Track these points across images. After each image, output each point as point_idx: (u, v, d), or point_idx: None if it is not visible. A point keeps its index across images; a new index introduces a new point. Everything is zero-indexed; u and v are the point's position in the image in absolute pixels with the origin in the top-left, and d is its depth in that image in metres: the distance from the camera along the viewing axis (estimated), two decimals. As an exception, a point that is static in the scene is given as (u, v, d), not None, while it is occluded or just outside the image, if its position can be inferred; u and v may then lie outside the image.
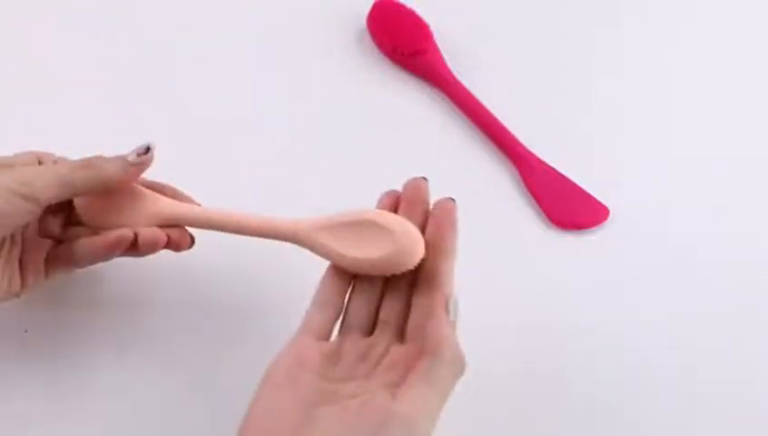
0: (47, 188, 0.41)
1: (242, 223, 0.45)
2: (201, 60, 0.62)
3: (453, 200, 0.44)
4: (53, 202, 0.42)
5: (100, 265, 0.46)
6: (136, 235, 0.44)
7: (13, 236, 0.43)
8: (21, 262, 0.44)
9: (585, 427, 0.49)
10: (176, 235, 0.46)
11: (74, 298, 0.50)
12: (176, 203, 0.46)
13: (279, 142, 0.58)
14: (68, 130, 0.55)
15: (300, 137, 0.59)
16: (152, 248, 0.45)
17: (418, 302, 0.42)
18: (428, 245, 0.43)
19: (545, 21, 0.67)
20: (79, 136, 0.56)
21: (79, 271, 0.47)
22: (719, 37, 0.66)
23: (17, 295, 0.44)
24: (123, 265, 0.50)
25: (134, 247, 0.44)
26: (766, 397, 0.50)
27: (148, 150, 0.44)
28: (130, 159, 0.44)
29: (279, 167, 0.56)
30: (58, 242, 0.45)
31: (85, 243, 0.44)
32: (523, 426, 0.49)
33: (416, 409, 0.37)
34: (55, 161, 0.45)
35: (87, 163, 0.43)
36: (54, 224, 0.46)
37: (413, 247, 0.42)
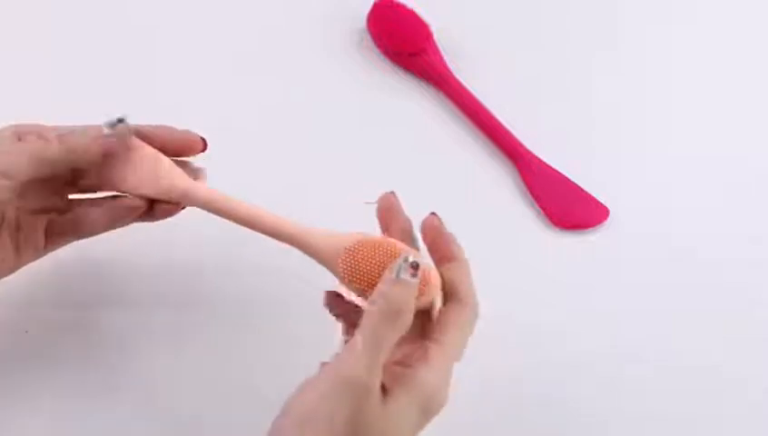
0: (21, 168, 0.41)
1: (276, 227, 0.43)
2: (200, 60, 0.62)
3: (435, 214, 0.44)
4: (29, 178, 0.42)
5: (106, 266, 0.46)
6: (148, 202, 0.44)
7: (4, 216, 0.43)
8: (15, 237, 0.43)
9: (585, 426, 0.49)
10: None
11: (75, 298, 0.50)
12: (200, 185, 0.45)
13: (278, 142, 0.58)
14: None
15: (300, 137, 0.59)
16: (166, 216, 0.45)
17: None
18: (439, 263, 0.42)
19: (545, 21, 0.67)
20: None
21: (81, 270, 0.47)
22: (719, 37, 0.66)
23: (11, 271, 0.43)
24: (126, 263, 0.51)
25: (148, 214, 0.44)
26: (767, 397, 0.50)
27: (121, 120, 0.43)
28: (105, 132, 0.43)
29: (278, 167, 0.56)
30: (59, 211, 0.45)
31: (93, 213, 0.44)
32: (523, 425, 0.49)
33: (348, 365, 0.36)
34: (40, 134, 0.43)
35: (60, 139, 0.42)
36: (57, 197, 0.45)
37: (429, 291, 0.41)
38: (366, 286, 0.41)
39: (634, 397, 0.50)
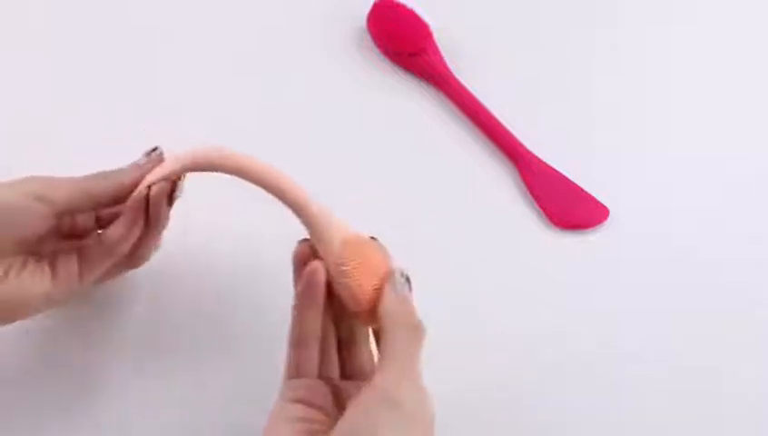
0: (63, 193, 0.43)
1: (276, 181, 0.44)
2: (200, 60, 0.62)
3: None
4: (67, 207, 0.43)
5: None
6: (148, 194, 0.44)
7: (43, 247, 0.44)
8: (52, 268, 0.44)
9: (585, 426, 0.49)
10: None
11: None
12: (222, 148, 0.45)
13: (278, 141, 0.58)
14: (74, 140, 0.56)
15: (300, 137, 0.59)
16: (159, 204, 0.45)
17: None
18: None
19: (545, 21, 0.67)
20: (80, 140, 0.56)
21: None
22: (719, 37, 0.66)
23: (56, 299, 0.44)
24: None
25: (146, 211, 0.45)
26: (767, 397, 0.50)
27: (155, 149, 0.45)
28: (141, 163, 0.45)
29: (278, 167, 0.56)
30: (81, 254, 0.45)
31: (114, 224, 0.44)
32: (523, 425, 0.49)
33: (391, 383, 0.38)
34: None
35: (104, 175, 0.44)
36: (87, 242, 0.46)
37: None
38: (362, 282, 0.41)
39: (634, 397, 0.50)
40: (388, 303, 0.40)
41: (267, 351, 0.48)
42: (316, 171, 0.57)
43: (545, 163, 0.58)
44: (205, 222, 0.52)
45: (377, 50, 0.63)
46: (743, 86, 0.63)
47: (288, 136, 0.59)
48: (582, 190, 0.57)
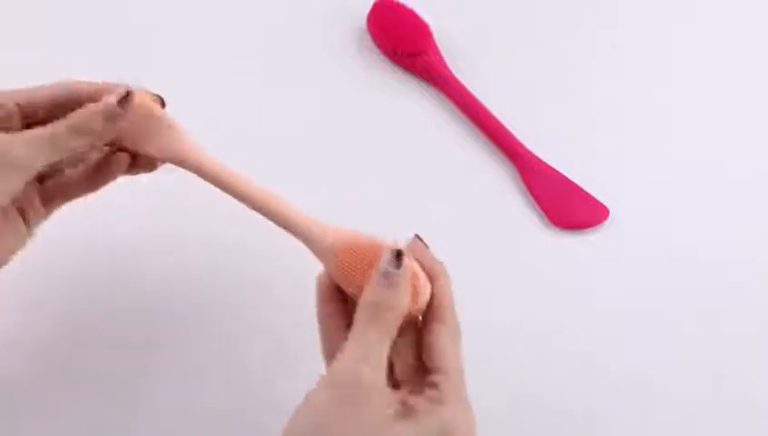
0: (36, 159, 0.41)
1: (267, 205, 0.43)
2: (200, 60, 0.62)
3: (418, 236, 0.43)
4: (38, 164, 0.41)
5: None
6: (134, 159, 0.44)
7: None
8: (20, 211, 0.43)
9: (585, 425, 0.49)
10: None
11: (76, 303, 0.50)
12: (204, 154, 0.45)
13: (278, 141, 0.58)
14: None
15: (300, 137, 0.59)
16: (149, 167, 0.45)
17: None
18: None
19: (545, 21, 0.67)
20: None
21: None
22: (719, 37, 0.66)
23: (26, 242, 0.44)
24: (128, 271, 0.51)
25: (131, 167, 0.44)
26: (767, 397, 0.50)
27: (128, 94, 0.43)
28: (109, 101, 0.42)
29: (277, 167, 0.56)
30: (42, 176, 0.44)
31: (78, 175, 0.44)
32: (522, 424, 0.49)
33: (335, 365, 0.36)
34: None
35: (75, 129, 0.42)
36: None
37: (421, 289, 0.40)
38: (357, 286, 0.40)
39: (634, 397, 0.50)
40: (367, 284, 0.38)
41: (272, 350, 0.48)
42: (316, 171, 0.57)
43: (545, 163, 0.58)
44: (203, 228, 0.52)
45: (377, 50, 0.63)
46: (743, 86, 0.63)
47: (288, 136, 0.59)
48: (582, 190, 0.57)
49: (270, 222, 0.42)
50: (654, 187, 0.58)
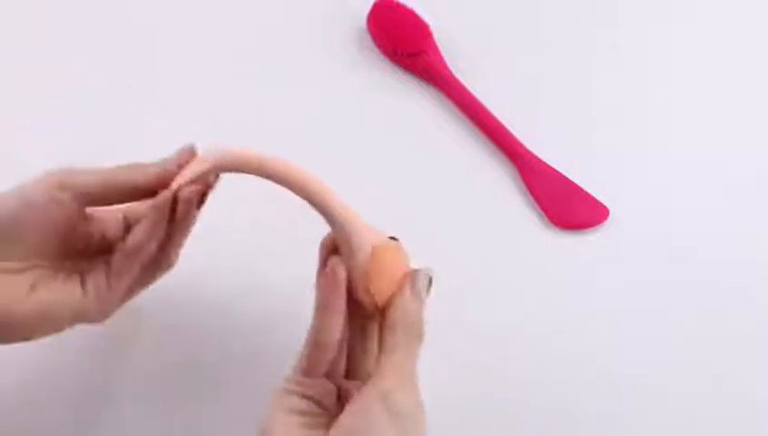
0: (83, 179, 0.41)
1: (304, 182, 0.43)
2: (200, 60, 0.62)
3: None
4: (89, 194, 0.42)
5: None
6: (176, 196, 0.43)
7: (73, 263, 0.43)
8: (81, 280, 0.43)
9: (585, 425, 0.49)
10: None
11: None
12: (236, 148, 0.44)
13: (278, 141, 0.58)
14: (73, 142, 0.56)
15: (300, 137, 0.59)
16: (189, 205, 0.44)
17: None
18: None
19: (545, 21, 0.67)
20: (79, 142, 0.56)
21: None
22: (719, 37, 0.66)
23: (86, 313, 0.43)
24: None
25: (173, 211, 0.43)
26: (767, 397, 0.50)
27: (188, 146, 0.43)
28: (168, 158, 0.43)
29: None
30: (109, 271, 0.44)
31: (138, 227, 0.43)
32: (522, 424, 0.49)
33: (392, 384, 0.38)
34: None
35: (127, 165, 0.43)
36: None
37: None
38: (382, 288, 0.41)
39: (634, 397, 0.50)
40: (403, 300, 0.40)
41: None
42: (316, 171, 0.57)
43: (545, 163, 0.58)
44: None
45: (377, 50, 0.63)
46: (744, 86, 0.63)
47: (288, 136, 0.58)
48: (582, 190, 0.57)
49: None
50: (654, 187, 0.58)
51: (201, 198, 0.43)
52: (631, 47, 0.66)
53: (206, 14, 0.65)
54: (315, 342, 0.41)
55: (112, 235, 0.45)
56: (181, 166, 0.42)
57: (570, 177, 0.58)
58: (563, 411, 0.49)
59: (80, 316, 0.42)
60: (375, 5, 0.64)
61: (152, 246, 0.43)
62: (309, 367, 0.41)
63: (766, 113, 0.62)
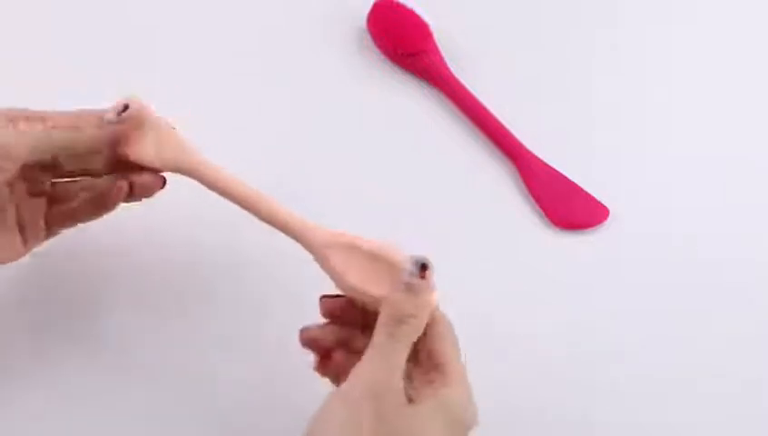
0: (24, 147, 0.42)
1: (261, 205, 0.44)
2: (200, 60, 0.62)
3: None
4: (31, 159, 0.42)
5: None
6: (131, 184, 0.45)
7: (5, 202, 0.43)
8: (20, 227, 0.44)
9: (584, 425, 0.49)
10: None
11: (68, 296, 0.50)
12: (199, 158, 0.46)
13: (278, 142, 0.58)
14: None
15: (300, 137, 0.59)
16: (147, 194, 0.46)
17: None
18: None
19: (545, 21, 0.67)
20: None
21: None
22: (719, 37, 0.66)
23: (20, 256, 0.44)
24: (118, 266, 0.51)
25: (130, 195, 0.45)
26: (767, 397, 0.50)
27: (126, 107, 0.44)
28: (107, 117, 0.44)
29: (278, 167, 0.56)
30: (51, 199, 0.45)
31: (86, 201, 0.45)
32: (522, 424, 0.49)
33: (358, 375, 0.38)
34: (43, 117, 0.44)
35: (68, 124, 0.43)
36: (47, 182, 0.46)
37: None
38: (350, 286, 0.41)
39: (633, 397, 0.50)
40: (390, 292, 0.40)
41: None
42: (316, 171, 0.57)
43: (545, 163, 0.58)
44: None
45: (377, 50, 0.63)
46: (744, 86, 0.63)
47: (288, 136, 0.59)
48: (582, 190, 0.57)
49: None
50: (654, 187, 0.58)
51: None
52: (631, 47, 0.66)
53: (206, 14, 0.65)
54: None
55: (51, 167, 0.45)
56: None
57: (570, 177, 0.58)
58: (562, 410, 0.49)
59: (14, 259, 0.44)
60: (375, 5, 0.64)
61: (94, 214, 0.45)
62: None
63: (766, 113, 0.62)
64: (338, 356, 0.41)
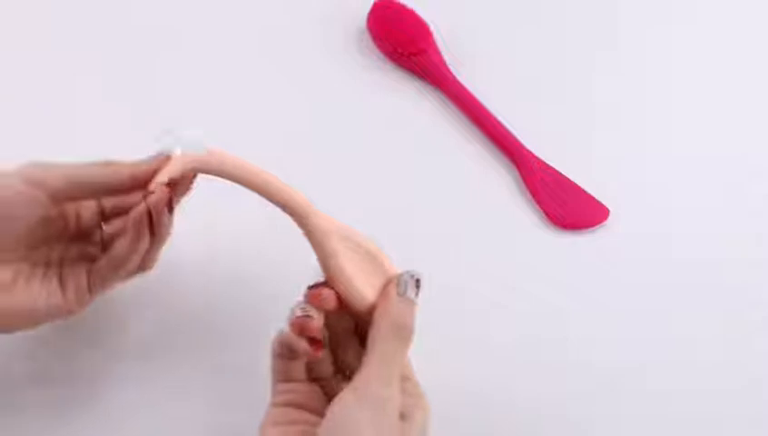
0: (59, 177, 0.42)
1: (265, 181, 0.44)
2: (200, 60, 0.62)
3: None
4: (64, 192, 0.42)
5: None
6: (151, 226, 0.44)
7: (50, 256, 0.44)
8: (61, 282, 0.43)
9: (584, 425, 0.49)
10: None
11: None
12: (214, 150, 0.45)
13: (278, 142, 0.58)
14: (73, 142, 0.56)
15: (300, 137, 0.59)
16: (159, 208, 0.44)
17: None
18: None
19: (545, 21, 0.67)
20: (80, 141, 0.56)
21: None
22: (719, 37, 0.66)
23: (65, 312, 0.43)
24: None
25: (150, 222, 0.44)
26: (767, 397, 0.50)
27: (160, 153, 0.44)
28: (144, 159, 0.44)
29: (277, 167, 0.56)
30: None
31: (121, 239, 0.43)
32: (522, 424, 0.49)
33: (365, 382, 0.39)
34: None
35: (103, 163, 0.43)
36: (94, 248, 0.46)
37: None
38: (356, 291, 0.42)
39: (633, 397, 0.50)
40: (386, 303, 0.41)
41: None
42: (316, 171, 0.57)
43: (545, 163, 0.58)
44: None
45: (377, 50, 0.63)
46: (744, 86, 0.63)
47: (288, 136, 0.59)
48: (582, 190, 0.57)
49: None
50: (654, 187, 0.58)
51: (170, 204, 0.43)
52: (631, 47, 0.66)
53: (206, 15, 0.65)
54: (279, 352, 0.42)
55: (87, 220, 0.45)
56: (154, 170, 0.43)
57: (570, 177, 0.58)
58: (561, 410, 0.49)
59: (55, 315, 0.43)
60: (375, 5, 0.64)
61: (135, 259, 0.44)
62: (280, 373, 0.42)
63: (766, 113, 0.62)
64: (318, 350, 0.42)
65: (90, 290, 0.44)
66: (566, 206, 0.56)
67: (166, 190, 0.42)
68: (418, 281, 0.42)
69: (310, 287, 0.42)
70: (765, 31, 0.67)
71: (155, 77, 0.61)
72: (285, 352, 0.42)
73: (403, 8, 0.63)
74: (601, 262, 0.55)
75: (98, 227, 0.46)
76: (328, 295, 0.42)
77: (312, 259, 0.43)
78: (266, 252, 0.52)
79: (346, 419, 0.38)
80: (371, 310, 0.41)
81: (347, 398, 0.38)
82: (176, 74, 0.61)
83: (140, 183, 0.43)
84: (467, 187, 0.58)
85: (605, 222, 0.56)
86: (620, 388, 0.50)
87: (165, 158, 0.43)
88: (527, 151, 0.58)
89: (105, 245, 0.46)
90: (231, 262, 0.53)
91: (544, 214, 0.56)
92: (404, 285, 0.41)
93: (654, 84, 0.63)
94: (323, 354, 0.43)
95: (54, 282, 0.43)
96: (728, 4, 0.68)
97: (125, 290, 0.48)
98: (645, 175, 0.59)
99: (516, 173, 0.58)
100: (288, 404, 0.41)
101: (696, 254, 0.55)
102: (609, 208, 0.56)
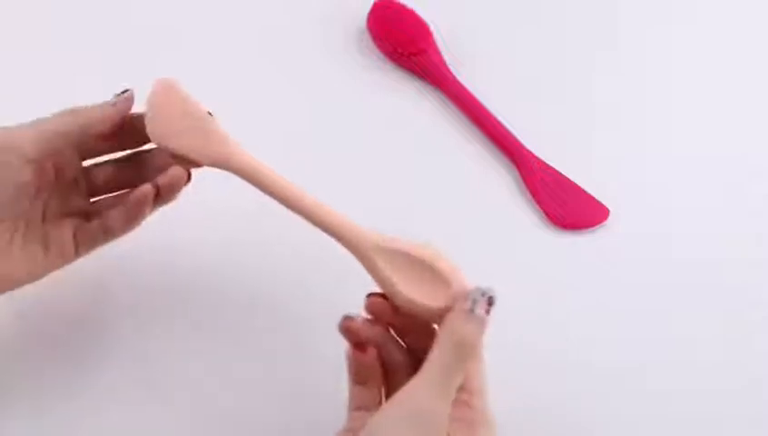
0: (24, 137, 0.41)
1: (309, 207, 0.43)
2: (200, 60, 0.62)
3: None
4: (39, 152, 0.42)
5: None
6: (158, 188, 0.44)
7: (30, 216, 0.43)
8: (44, 242, 0.43)
9: (584, 425, 0.49)
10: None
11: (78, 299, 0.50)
12: (246, 154, 0.45)
13: (278, 142, 0.58)
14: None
15: (300, 137, 0.59)
16: (173, 192, 0.45)
17: None
18: None
19: (545, 21, 0.67)
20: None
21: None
22: (719, 37, 0.66)
23: (42, 273, 0.44)
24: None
25: (156, 199, 0.45)
26: (767, 397, 0.50)
27: (125, 91, 0.45)
28: (111, 102, 0.44)
29: (277, 167, 0.56)
30: (85, 217, 0.45)
31: (118, 213, 0.44)
32: (522, 424, 0.49)
33: (409, 393, 0.37)
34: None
35: (67, 111, 0.43)
36: (79, 199, 0.46)
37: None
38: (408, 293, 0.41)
39: (633, 397, 0.50)
40: (451, 317, 0.39)
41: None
42: (316, 171, 0.57)
43: (545, 163, 0.58)
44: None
45: (377, 50, 0.63)
46: (744, 86, 0.63)
47: (288, 136, 0.59)
48: (582, 190, 0.57)
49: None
50: (654, 187, 0.58)
51: (188, 176, 0.46)
52: (631, 47, 0.66)
53: (206, 15, 0.65)
54: (355, 378, 0.42)
55: (68, 173, 0.45)
56: (119, 110, 0.44)
57: (570, 177, 0.58)
58: (561, 410, 0.49)
59: (34, 278, 0.43)
60: (375, 5, 0.64)
61: (130, 229, 0.45)
62: (356, 400, 0.42)
63: (766, 113, 0.62)
64: (370, 356, 0.41)
65: (77, 250, 0.44)
66: (566, 206, 0.56)
67: (184, 178, 0.45)
68: (490, 298, 0.40)
69: (368, 296, 0.42)
70: (765, 31, 0.67)
71: (155, 77, 0.61)
72: (351, 373, 0.42)
73: (403, 8, 0.63)
74: (601, 262, 0.55)
75: (81, 176, 0.46)
76: (381, 304, 0.41)
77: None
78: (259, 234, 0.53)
79: (381, 431, 0.36)
80: (437, 317, 0.40)
81: (395, 408, 0.37)
82: (176, 74, 0.61)
83: (108, 125, 0.43)
84: (467, 187, 0.58)
85: (605, 222, 0.56)
86: (620, 388, 0.50)
87: (128, 96, 0.44)
88: (527, 151, 0.58)
89: (93, 193, 0.46)
90: (225, 247, 0.53)
91: (544, 214, 0.56)
92: (472, 302, 0.39)
93: (654, 84, 0.63)
94: (401, 374, 0.42)
95: (38, 249, 0.43)
96: (728, 4, 0.68)
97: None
98: (645, 175, 0.59)
99: (516, 173, 0.58)
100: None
101: (696, 254, 0.55)
102: (609, 208, 0.56)
